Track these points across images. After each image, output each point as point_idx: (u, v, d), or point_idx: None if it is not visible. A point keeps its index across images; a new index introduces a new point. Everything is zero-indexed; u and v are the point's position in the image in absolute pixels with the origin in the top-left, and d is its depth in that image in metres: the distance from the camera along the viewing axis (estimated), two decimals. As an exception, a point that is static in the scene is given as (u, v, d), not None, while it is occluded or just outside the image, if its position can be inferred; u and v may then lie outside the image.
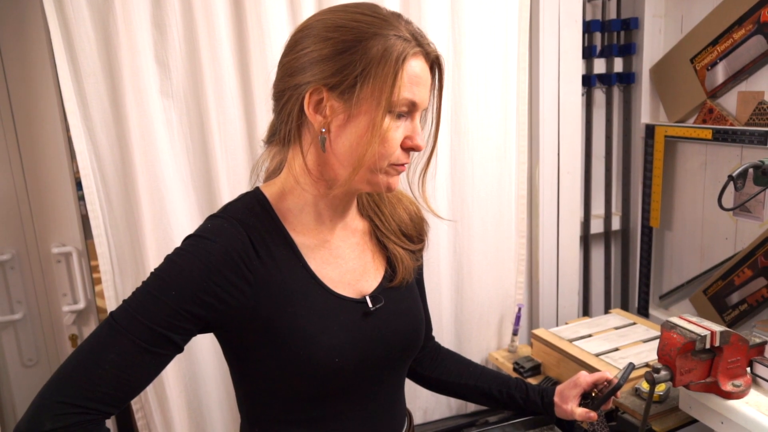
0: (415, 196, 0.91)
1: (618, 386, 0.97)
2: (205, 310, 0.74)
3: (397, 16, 0.77)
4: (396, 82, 0.74)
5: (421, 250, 0.95)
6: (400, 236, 0.92)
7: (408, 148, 0.79)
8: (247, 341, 0.80)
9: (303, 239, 0.83)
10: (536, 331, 1.56)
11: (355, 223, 0.91)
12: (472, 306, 1.66)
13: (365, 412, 0.87)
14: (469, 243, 1.62)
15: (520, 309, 1.67)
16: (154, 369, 0.74)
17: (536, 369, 1.53)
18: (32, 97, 1.35)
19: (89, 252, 1.45)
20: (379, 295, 0.87)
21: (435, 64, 0.80)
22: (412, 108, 0.77)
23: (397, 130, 0.77)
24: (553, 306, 1.82)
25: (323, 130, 0.77)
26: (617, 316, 1.65)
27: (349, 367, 0.82)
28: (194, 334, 0.77)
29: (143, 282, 0.75)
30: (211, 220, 0.81)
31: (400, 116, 0.77)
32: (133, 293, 0.75)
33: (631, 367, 1.00)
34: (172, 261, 0.75)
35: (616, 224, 1.98)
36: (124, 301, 0.74)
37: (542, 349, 1.53)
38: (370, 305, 0.85)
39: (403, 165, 0.80)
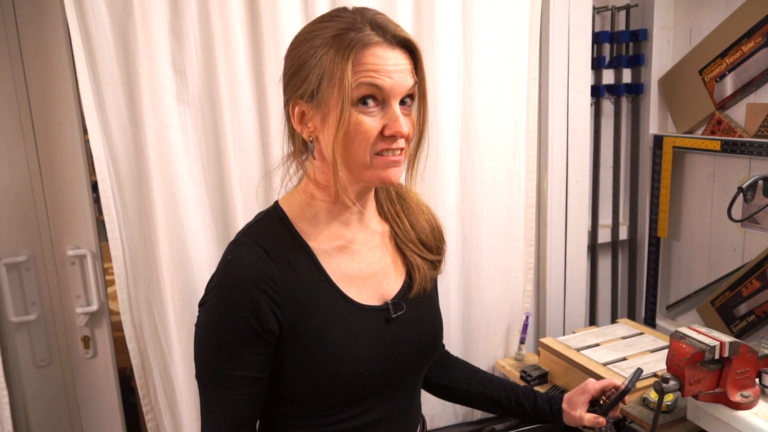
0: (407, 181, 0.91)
1: (626, 390, 0.98)
2: (260, 339, 0.79)
3: (360, 11, 0.78)
4: (345, 72, 0.74)
5: (439, 262, 0.97)
6: (418, 245, 0.93)
7: (390, 135, 0.78)
8: (277, 354, 0.82)
9: (325, 246, 0.85)
10: (544, 340, 1.57)
11: (374, 224, 0.92)
12: (480, 313, 1.67)
13: (383, 413, 0.88)
14: (477, 251, 1.63)
15: (527, 317, 1.68)
16: (253, 399, 0.82)
17: (543, 377, 1.53)
18: (51, 102, 1.38)
19: (103, 255, 1.47)
20: (400, 302, 0.89)
21: (405, 47, 0.79)
22: (380, 94, 0.77)
23: (367, 119, 0.77)
24: (560, 315, 1.83)
25: (311, 140, 0.81)
26: (624, 326, 1.66)
27: (373, 376, 0.84)
28: (269, 359, 0.82)
29: (196, 338, 0.82)
30: (232, 250, 0.82)
31: (365, 103, 0.76)
32: (195, 350, 0.82)
33: (639, 372, 1.01)
34: (211, 313, 0.80)
35: (623, 234, 1.98)
36: (195, 360, 0.82)
37: (550, 357, 1.53)
38: (392, 312, 0.87)
39: (392, 153, 0.79)
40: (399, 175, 0.82)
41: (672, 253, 1.93)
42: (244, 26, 1.34)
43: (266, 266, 0.79)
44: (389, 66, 0.76)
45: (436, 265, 0.96)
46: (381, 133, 0.78)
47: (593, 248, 1.95)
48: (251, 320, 0.78)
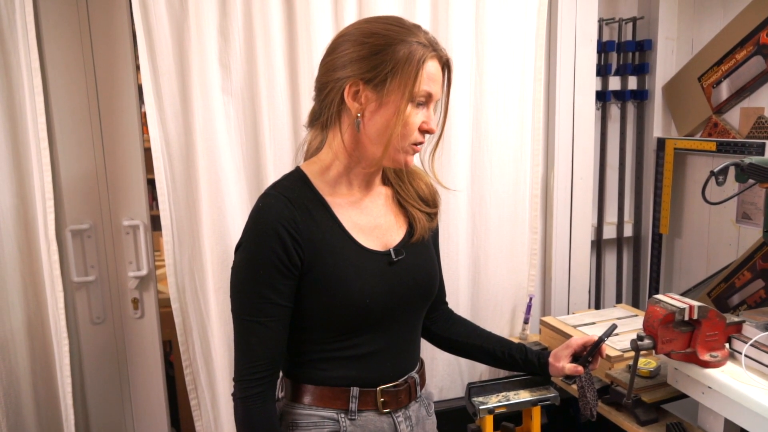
0: (426, 170, 1.09)
1: (600, 341, 1.11)
2: (287, 270, 0.96)
3: (418, 27, 0.98)
4: (417, 78, 0.94)
5: (435, 214, 1.14)
6: (417, 200, 1.11)
7: (424, 131, 0.99)
8: (298, 288, 0.99)
9: (339, 201, 1.03)
10: (545, 318, 1.70)
11: (379, 188, 1.10)
12: (488, 295, 1.82)
13: (386, 344, 1.05)
14: (485, 237, 1.78)
15: (531, 299, 1.82)
16: (283, 328, 0.99)
17: (543, 353, 1.66)
18: (116, 93, 1.61)
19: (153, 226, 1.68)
20: (402, 249, 1.05)
21: (446, 65, 1.00)
22: (428, 99, 0.98)
23: (416, 116, 0.97)
24: (565, 300, 1.96)
25: (359, 115, 0.97)
26: (622, 309, 1.78)
27: (376, 307, 1.01)
28: (293, 290, 0.98)
29: (233, 278, 0.99)
30: (263, 199, 1.00)
31: (418, 105, 0.97)
32: (232, 287, 0.99)
33: (613, 326, 1.14)
34: (246, 250, 0.97)
35: (628, 231, 2.10)
36: (231, 296, 0.99)
37: (549, 334, 1.67)
38: (393, 257, 1.04)
39: (419, 145, 1.00)
40: (413, 161, 1.04)
41: (674, 250, 2.04)
42: (281, 29, 1.54)
43: (290, 212, 0.98)
44: (438, 79, 0.98)
45: (432, 217, 1.13)
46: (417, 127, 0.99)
47: (599, 244, 2.07)
48: (280, 254, 0.95)
